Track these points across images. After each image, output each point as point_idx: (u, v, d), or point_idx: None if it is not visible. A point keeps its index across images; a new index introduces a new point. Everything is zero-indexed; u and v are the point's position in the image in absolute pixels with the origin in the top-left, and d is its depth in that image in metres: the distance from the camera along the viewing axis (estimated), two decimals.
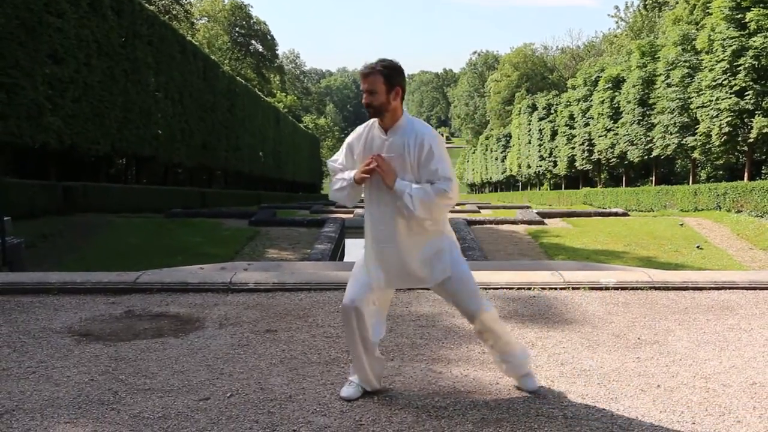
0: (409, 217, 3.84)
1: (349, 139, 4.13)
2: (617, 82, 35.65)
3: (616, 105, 35.29)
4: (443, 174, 3.84)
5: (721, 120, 23.78)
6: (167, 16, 43.35)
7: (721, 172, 34.34)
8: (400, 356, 4.94)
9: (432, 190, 3.81)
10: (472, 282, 4.03)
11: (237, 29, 75.03)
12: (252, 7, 77.38)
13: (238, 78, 41.67)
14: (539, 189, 57.80)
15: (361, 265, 4.07)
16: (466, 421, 3.71)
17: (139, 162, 27.68)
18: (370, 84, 3.82)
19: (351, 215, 22.37)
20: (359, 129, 4.09)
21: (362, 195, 4.10)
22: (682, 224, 18.57)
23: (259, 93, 49.45)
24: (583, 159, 41.27)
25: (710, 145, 25.39)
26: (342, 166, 4.10)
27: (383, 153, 3.90)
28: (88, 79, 19.71)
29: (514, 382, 4.34)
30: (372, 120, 4.03)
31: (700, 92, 25.42)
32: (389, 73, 3.84)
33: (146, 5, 26.07)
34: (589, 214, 22.44)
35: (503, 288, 7.30)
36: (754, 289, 7.38)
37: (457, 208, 30.21)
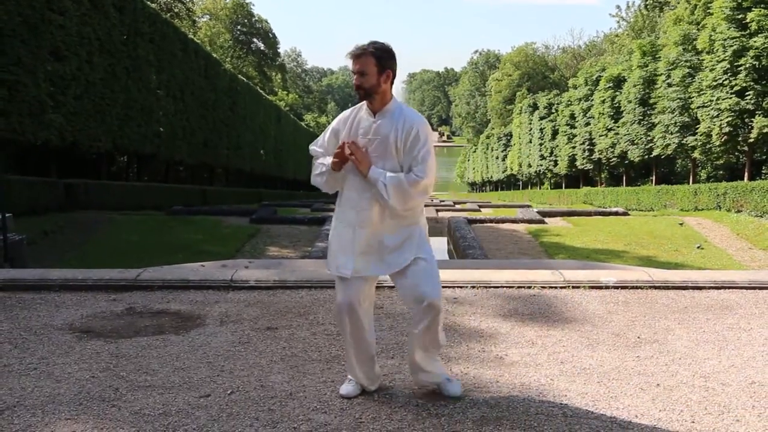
0: (385, 206, 3.83)
1: (334, 123, 4.10)
2: (618, 82, 35.66)
3: (617, 104, 35.30)
4: (423, 162, 3.82)
5: (721, 120, 23.79)
6: (169, 14, 43.34)
7: (721, 172, 34.32)
8: (400, 354, 4.95)
9: (406, 179, 3.78)
10: (437, 270, 3.96)
11: (239, 27, 75.00)
12: (254, 5, 77.27)
13: (239, 76, 41.66)
14: (540, 188, 57.79)
15: (328, 268, 4.02)
16: (466, 419, 3.72)
17: (140, 159, 27.69)
18: (361, 65, 3.80)
19: None
20: (346, 113, 4.08)
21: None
22: (681, 223, 18.58)
23: (261, 91, 49.45)
24: (583, 158, 41.28)
25: (710, 145, 25.40)
26: (323, 150, 4.08)
27: (370, 135, 3.89)
28: (89, 77, 19.72)
29: (513, 380, 4.35)
30: (360, 104, 4.02)
31: (701, 92, 25.42)
32: (381, 55, 3.82)
33: (148, 3, 26.08)
34: (589, 214, 22.45)
35: (503, 286, 7.31)
36: (754, 288, 7.39)
37: (458, 206, 30.25)
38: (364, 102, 3.98)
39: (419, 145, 3.85)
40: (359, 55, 3.81)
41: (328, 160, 3.97)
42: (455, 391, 4.07)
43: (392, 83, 3.93)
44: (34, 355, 4.86)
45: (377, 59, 3.81)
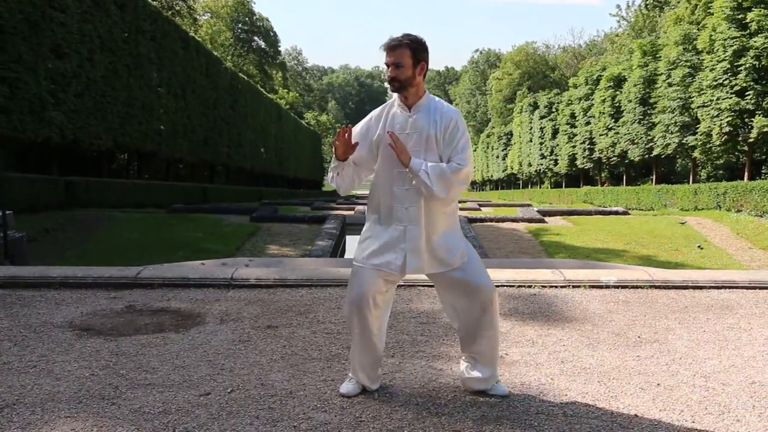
0: (429, 197, 3.79)
1: (361, 124, 4.02)
2: (618, 81, 35.69)
3: (617, 104, 35.34)
4: (464, 151, 3.83)
5: (721, 120, 23.81)
6: (170, 12, 43.35)
7: (721, 172, 34.37)
8: (400, 353, 4.95)
9: (447, 167, 3.77)
10: (481, 262, 4.04)
11: (240, 25, 74.92)
12: (255, 3, 77.06)
13: (240, 74, 41.67)
14: (540, 187, 57.83)
15: (362, 257, 3.94)
16: (467, 419, 3.71)
17: (141, 157, 27.70)
18: (396, 57, 3.75)
19: (352, 212, 22.41)
20: (375, 111, 4.02)
21: (368, 177, 4.06)
22: (683, 223, 18.58)
23: (262, 89, 49.45)
24: (583, 158, 41.32)
25: (711, 145, 25.42)
26: (360, 141, 3.96)
27: (408, 130, 3.85)
28: (90, 74, 19.72)
29: (513, 380, 4.35)
30: (390, 101, 3.99)
31: (701, 92, 25.44)
32: (416, 47, 3.78)
33: (149, 1, 26.06)
34: (589, 213, 22.46)
35: (504, 285, 7.31)
36: (754, 288, 7.39)
37: (458, 205, 30.22)
38: (395, 98, 3.96)
39: (458, 136, 3.84)
40: (395, 46, 3.76)
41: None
42: (501, 390, 4.09)
43: (424, 76, 3.89)
44: (33, 353, 4.85)
45: (412, 51, 3.77)
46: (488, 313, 3.94)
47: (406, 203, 3.85)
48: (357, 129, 3.99)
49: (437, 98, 3.97)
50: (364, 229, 4.04)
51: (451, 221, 3.99)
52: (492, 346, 4.04)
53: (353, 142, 3.90)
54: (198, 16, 62.49)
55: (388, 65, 3.80)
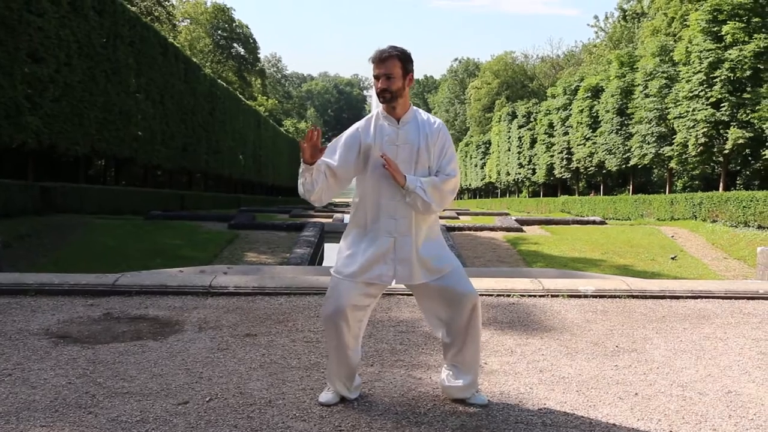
0: (424, 212, 3.82)
1: (346, 137, 3.95)
2: (596, 92, 35.98)
3: (595, 114, 35.63)
4: (452, 161, 3.89)
5: (697, 131, 24.07)
6: (149, 18, 43.15)
7: (697, 182, 34.70)
8: (379, 362, 4.95)
9: (439, 180, 3.81)
10: (463, 269, 4.06)
11: (219, 32, 74.74)
12: (234, 10, 77.01)
13: (219, 81, 41.55)
14: (518, 196, 58.08)
15: (343, 273, 3.91)
16: (446, 428, 3.71)
17: (118, 163, 27.56)
18: (387, 68, 3.76)
19: (330, 219, 22.40)
20: (362, 123, 3.99)
21: (343, 189, 4.03)
22: (672, 236, 18.71)
23: (241, 96, 49.31)
24: (561, 167, 41.58)
25: (687, 156, 25.69)
26: (334, 161, 3.89)
27: (398, 142, 3.85)
28: (68, 79, 19.57)
29: (493, 389, 4.35)
30: (372, 113, 3.99)
31: (677, 103, 25.70)
32: (405, 59, 3.80)
33: (128, 6, 25.94)
34: (567, 222, 22.59)
35: (483, 294, 7.31)
36: (730, 298, 7.47)
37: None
38: (379, 110, 3.95)
39: (447, 146, 3.90)
40: (386, 58, 3.77)
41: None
42: (481, 400, 4.10)
43: (410, 87, 3.90)
44: (8, 361, 4.79)
45: (402, 62, 3.78)
46: (474, 320, 3.96)
47: (396, 215, 3.85)
48: (344, 138, 3.96)
49: (420, 110, 4.00)
50: (346, 241, 4.01)
51: (436, 230, 4.03)
52: (475, 353, 4.06)
53: (343, 149, 3.90)
54: (177, 22, 62.30)
55: (377, 77, 3.79)
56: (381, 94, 3.81)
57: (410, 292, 4.16)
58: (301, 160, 3.85)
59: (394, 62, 3.77)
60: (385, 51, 3.79)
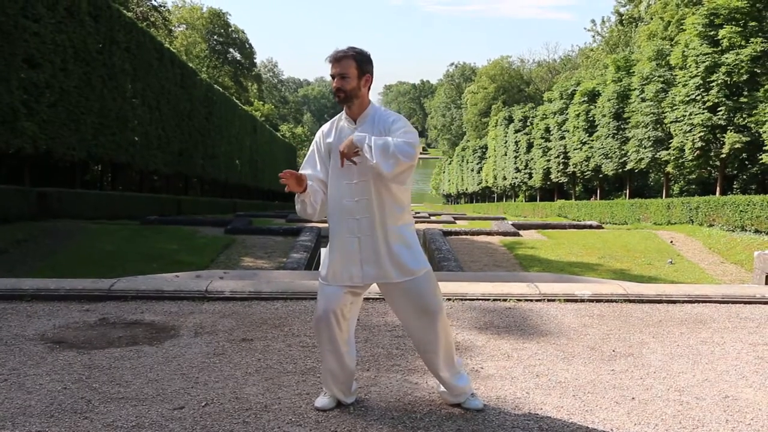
0: (378, 174, 3.70)
1: (315, 140, 4.07)
2: (593, 96, 36.02)
3: (592, 118, 35.66)
4: (406, 134, 3.74)
5: (694, 135, 24.09)
6: (145, 23, 43.13)
7: (693, 187, 34.73)
8: (375, 366, 4.94)
9: (392, 140, 3.67)
10: (436, 281, 4.02)
11: (215, 37, 74.81)
12: (230, 15, 77.04)
13: (215, 86, 41.54)
14: (514, 201, 58.11)
15: (326, 275, 3.95)
16: None
17: (114, 168, 27.50)
18: (342, 68, 3.79)
19: (326, 225, 22.35)
20: (325, 126, 4.07)
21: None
22: (670, 240, 18.72)
23: (237, 101, 49.31)
24: (558, 171, 41.63)
25: (683, 160, 25.71)
26: (311, 172, 3.99)
27: None
28: (64, 85, 19.55)
29: (489, 393, 4.35)
30: (338, 115, 4.03)
31: (674, 107, 25.74)
32: (361, 59, 3.83)
33: (124, 12, 25.93)
34: (563, 227, 22.59)
35: (479, 299, 7.32)
36: (727, 302, 7.47)
37: (433, 218, 30.32)
38: (342, 112, 3.99)
39: (401, 125, 3.82)
40: (340, 58, 3.80)
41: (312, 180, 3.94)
42: (477, 404, 4.09)
43: (369, 88, 3.93)
44: (4, 366, 4.78)
45: (357, 63, 3.81)
46: (438, 329, 3.91)
47: (356, 215, 3.86)
48: (315, 145, 4.05)
49: (383, 108, 4.02)
50: (327, 245, 4.06)
51: (409, 231, 3.98)
52: (448, 360, 4.03)
53: (318, 156, 4.01)
54: (173, 28, 62.32)
55: (333, 76, 3.84)
56: (336, 93, 3.87)
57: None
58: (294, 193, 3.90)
59: (349, 62, 3.80)
60: (342, 51, 3.84)
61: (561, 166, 41.12)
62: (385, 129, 3.85)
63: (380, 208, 3.85)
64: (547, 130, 43.95)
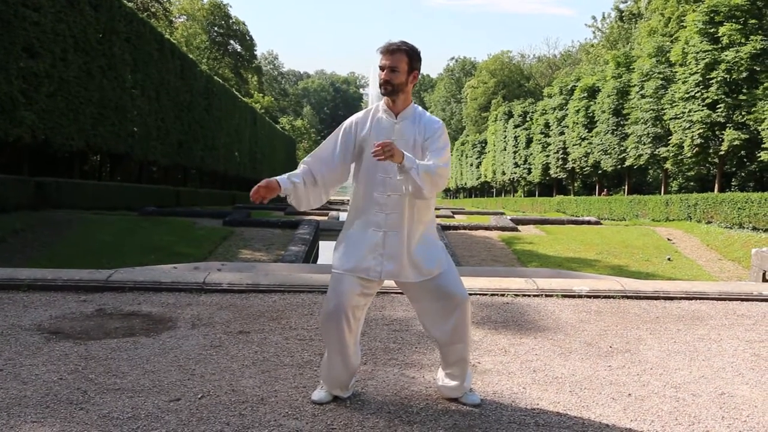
0: (415, 196, 3.72)
1: (345, 126, 3.96)
2: (592, 92, 36.02)
3: (591, 114, 35.67)
4: (443, 152, 3.81)
5: (693, 132, 24.11)
6: (145, 14, 43.06)
7: (692, 183, 34.77)
8: (373, 360, 4.93)
9: (433, 166, 3.70)
10: (457, 272, 4.03)
11: (216, 29, 74.64)
12: (231, 6, 77.05)
13: (215, 77, 41.48)
14: (513, 196, 58.13)
15: (342, 265, 3.88)
16: (438, 427, 3.70)
17: (113, 159, 27.47)
18: (393, 61, 3.75)
19: (326, 218, 22.39)
20: (360, 114, 3.99)
21: (336, 188, 4.02)
22: (668, 237, 18.72)
23: (237, 93, 49.24)
24: (557, 167, 41.62)
25: (682, 156, 25.74)
26: (312, 164, 3.92)
27: (394, 136, 3.82)
28: (63, 74, 19.52)
29: (486, 388, 4.34)
30: (373, 106, 3.98)
31: (674, 104, 25.75)
32: (413, 55, 3.80)
33: (124, 2, 25.85)
34: (562, 222, 22.59)
35: (477, 294, 7.32)
36: (724, 299, 7.47)
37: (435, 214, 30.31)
38: (379, 104, 3.95)
39: (441, 142, 3.84)
40: (394, 50, 3.77)
41: (294, 178, 3.85)
42: (474, 399, 4.09)
43: (414, 85, 3.90)
44: (0, 356, 4.77)
45: (409, 58, 3.78)
46: (462, 321, 3.92)
47: (387, 209, 3.82)
48: (342, 132, 3.95)
49: (422, 109, 3.98)
50: (342, 234, 3.99)
51: (431, 230, 3.99)
52: (465, 354, 4.03)
53: (339, 143, 3.92)
54: (174, 19, 62.21)
55: (383, 68, 3.79)
56: (383, 86, 3.81)
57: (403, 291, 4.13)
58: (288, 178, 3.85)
59: (401, 56, 3.77)
60: (395, 44, 3.79)
61: (560, 162, 41.13)
62: (427, 133, 3.85)
63: (411, 206, 3.84)
64: (547, 125, 43.94)
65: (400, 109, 3.89)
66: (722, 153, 23.79)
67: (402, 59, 3.76)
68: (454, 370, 4.06)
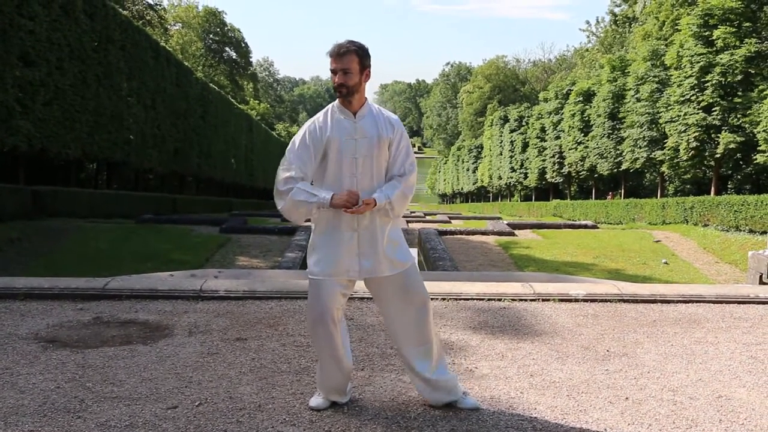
0: (392, 217, 3.93)
1: (304, 133, 3.92)
2: (588, 96, 36.09)
3: (587, 118, 35.74)
4: (408, 155, 3.98)
5: (688, 135, 24.16)
6: (141, 22, 43.08)
7: (688, 186, 34.82)
8: (370, 366, 4.93)
9: (400, 186, 3.90)
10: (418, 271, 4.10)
11: (211, 36, 74.67)
12: (226, 14, 77.05)
13: (211, 85, 41.49)
14: (510, 200, 58.18)
15: (320, 270, 3.90)
16: None
17: (110, 167, 27.46)
18: (344, 63, 3.76)
19: None
20: (319, 117, 3.96)
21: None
22: (658, 241, 18.75)
23: (232, 100, 49.27)
24: (553, 171, 41.68)
25: (678, 160, 25.78)
26: (300, 164, 3.85)
27: (357, 136, 3.84)
28: (59, 83, 19.52)
29: (483, 393, 4.34)
30: (327, 107, 3.98)
31: (669, 107, 25.81)
32: (363, 54, 3.82)
33: (120, 10, 25.88)
34: (558, 226, 22.62)
35: (474, 299, 7.32)
36: (721, 302, 7.48)
37: (428, 218, 30.34)
38: (332, 105, 3.96)
39: (404, 140, 3.96)
40: (343, 53, 3.77)
41: (322, 193, 3.80)
42: (471, 404, 4.08)
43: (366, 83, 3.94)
44: None
45: (359, 57, 3.80)
46: (426, 320, 3.97)
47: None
48: (308, 138, 3.90)
49: (374, 104, 4.04)
50: (312, 240, 4.02)
51: (397, 228, 4.07)
52: (434, 350, 4.04)
53: (310, 149, 3.90)
54: (169, 26, 62.24)
55: (334, 72, 3.80)
56: (338, 89, 3.82)
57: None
58: (328, 201, 3.78)
59: (351, 57, 3.78)
60: (343, 46, 3.79)
61: (556, 166, 41.18)
62: (387, 131, 3.90)
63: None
64: (543, 129, 44.01)
65: (357, 109, 3.90)
66: (718, 156, 23.84)
67: (353, 60, 3.78)
68: (428, 372, 4.03)
